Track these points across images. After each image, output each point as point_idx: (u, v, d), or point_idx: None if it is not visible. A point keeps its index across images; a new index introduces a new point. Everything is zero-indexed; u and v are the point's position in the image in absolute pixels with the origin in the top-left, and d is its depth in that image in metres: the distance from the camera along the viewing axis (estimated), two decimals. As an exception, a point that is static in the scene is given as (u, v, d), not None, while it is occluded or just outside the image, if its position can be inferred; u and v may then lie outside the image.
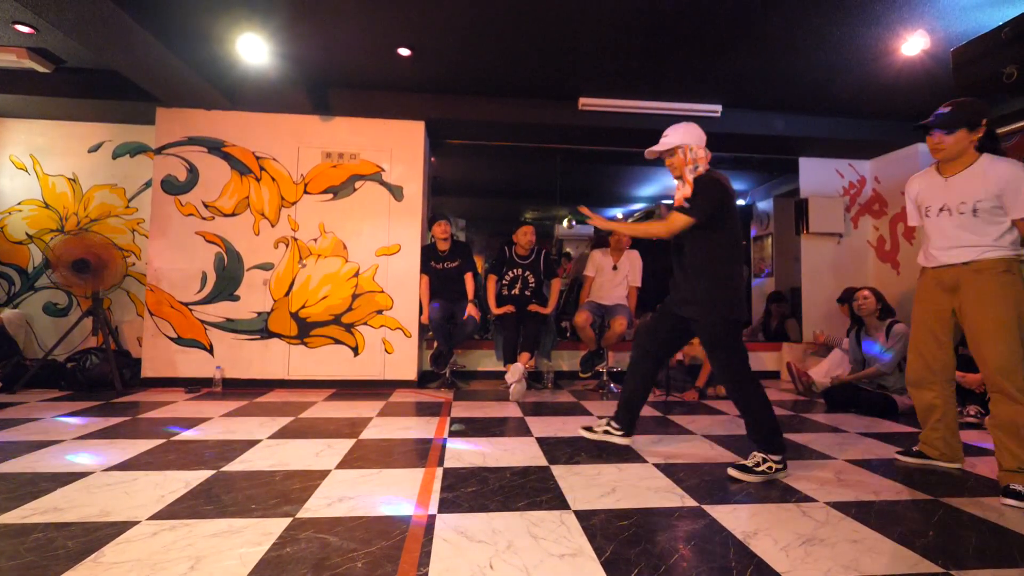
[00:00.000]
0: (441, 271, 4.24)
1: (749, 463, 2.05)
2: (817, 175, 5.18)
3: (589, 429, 2.46)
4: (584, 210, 2.38)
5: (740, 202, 7.40)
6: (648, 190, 7.54)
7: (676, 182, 2.21)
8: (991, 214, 1.93)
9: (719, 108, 4.35)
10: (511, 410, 3.34)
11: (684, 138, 2.16)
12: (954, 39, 3.20)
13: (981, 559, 1.41)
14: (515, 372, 3.69)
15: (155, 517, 1.61)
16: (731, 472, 2.04)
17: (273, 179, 4.24)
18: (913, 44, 3.29)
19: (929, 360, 2.16)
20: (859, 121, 4.62)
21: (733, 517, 1.67)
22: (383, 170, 4.33)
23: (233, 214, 4.19)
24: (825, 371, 3.93)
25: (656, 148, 2.20)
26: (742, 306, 2.11)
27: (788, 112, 4.54)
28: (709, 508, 1.74)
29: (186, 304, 4.12)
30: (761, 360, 5.01)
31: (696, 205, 2.08)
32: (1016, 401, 1.87)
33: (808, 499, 1.84)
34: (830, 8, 2.97)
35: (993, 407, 1.94)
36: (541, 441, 2.57)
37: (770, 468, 2.02)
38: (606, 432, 2.40)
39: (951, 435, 2.19)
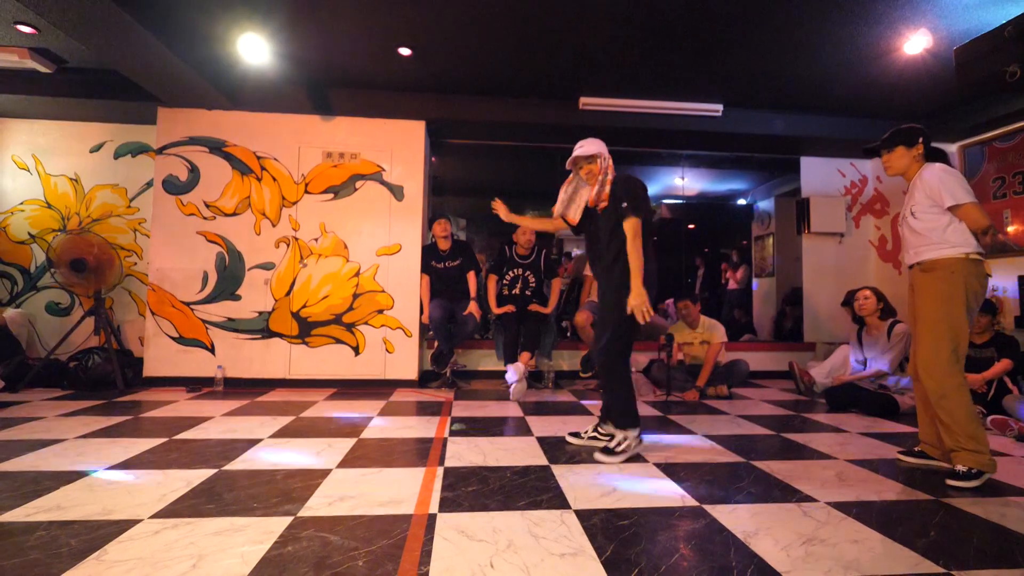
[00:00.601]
0: (442, 270, 4.25)
1: (612, 445, 2.26)
2: (819, 174, 5.18)
3: (576, 435, 2.55)
4: (498, 207, 2.59)
5: (741, 201, 7.41)
6: (649, 189, 7.53)
7: (581, 187, 2.50)
8: (928, 213, 2.13)
9: (720, 107, 4.35)
10: (512, 410, 3.35)
11: (600, 148, 2.40)
12: (956, 38, 3.20)
13: (982, 559, 1.41)
14: (516, 371, 3.69)
15: (157, 515, 1.62)
16: (597, 457, 2.25)
17: (274, 179, 4.25)
18: (915, 43, 3.29)
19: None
20: (861, 120, 4.61)
21: (733, 517, 1.67)
22: (384, 170, 4.34)
23: (234, 214, 4.20)
24: (827, 371, 3.93)
25: (580, 153, 2.38)
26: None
27: (789, 111, 4.54)
28: (709, 508, 1.74)
29: (188, 304, 4.13)
30: (762, 360, 5.01)
31: (635, 205, 2.29)
32: (932, 392, 2.08)
33: (809, 499, 1.84)
34: (831, 7, 2.97)
35: (915, 390, 2.24)
36: (541, 440, 2.58)
37: (630, 445, 2.25)
38: (593, 438, 2.49)
39: None
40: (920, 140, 2.21)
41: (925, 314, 2.12)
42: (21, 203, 4.42)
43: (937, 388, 2.06)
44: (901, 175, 2.29)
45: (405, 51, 3.57)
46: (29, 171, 4.44)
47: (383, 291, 4.28)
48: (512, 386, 3.69)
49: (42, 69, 3.68)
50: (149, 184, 4.46)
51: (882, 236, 5.12)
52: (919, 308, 2.16)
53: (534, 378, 4.28)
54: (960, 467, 1.99)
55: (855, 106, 4.40)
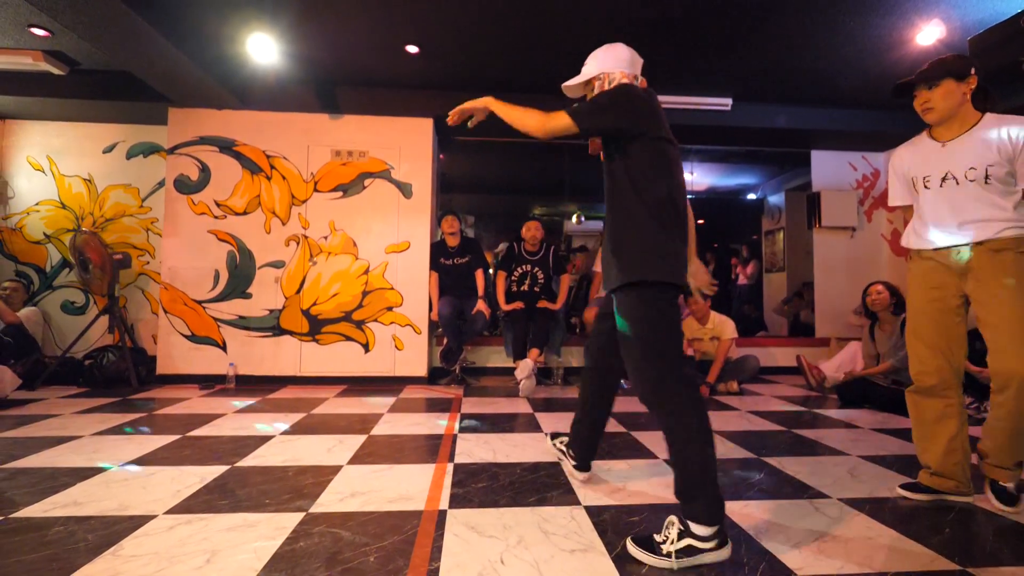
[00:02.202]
0: (451, 267, 4.25)
1: (659, 537, 1.35)
2: (830, 168, 5.11)
3: (556, 436, 2.15)
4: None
5: (751, 196, 7.32)
6: (658, 185, 7.48)
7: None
8: (1004, 182, 1.65)
9: (729, 101, 4.30)
10: (521, 406, 3.35)
11: (603, 65, 1.68)
12: (970, 28, 3.14)
13: (998, 557, 1.39)
14: (524, 368, 3.69)
15: (172, 511, 1.64)
16: (630, 548, 1.37)
17: (283, 177, 4.28)
18: (928, 34, 3.24)
19: (951, 359, 1.77)
20: (873, 113, 4.55)
21: (745, 513, 1.66)
22: (392, 167, 4.35)
23: (244, 212, 4.23)
24: (837, 366, 3.89)
25: (572, 82, 1.75)
26: (671, 269, 1.47)
27: (799, 104, 4.49)
28: (720, 504, 1.74)
29: (199, 302, 4.17)
30: (773, 356, 4.97)
31: (585, 108, 1.55)
32: None
33: (821, 495, 1.82)
34: (843, -2, 2.93)
35: (1001, 409, 1.65)
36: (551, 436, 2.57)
37: (689, 549, 1.31)
38: (560, 452, 2.09)
39: (967, 457, 1.77)
40: (973, 72, 1.70)
41: (1018, 308, 1.60)
42: (36, 203, 4.49)
43: None
44: (945, 120, 1.75)
45: (412, 49, 3.58)
46: (44, 172, 4.51)
47: (392, 288, 4.29)
48: (521, 382, 3.69)
49: (56, 71, 3.73)
50: (161, 184, 4.51)
51: (895, 230, 5.05)
52: (1000, 301, 1.63)
53: (543, 374, 4.28)
54: (1010, 485, 1.69)
55: (867, 98, 4.33)
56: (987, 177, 1.66)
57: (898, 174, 1.91)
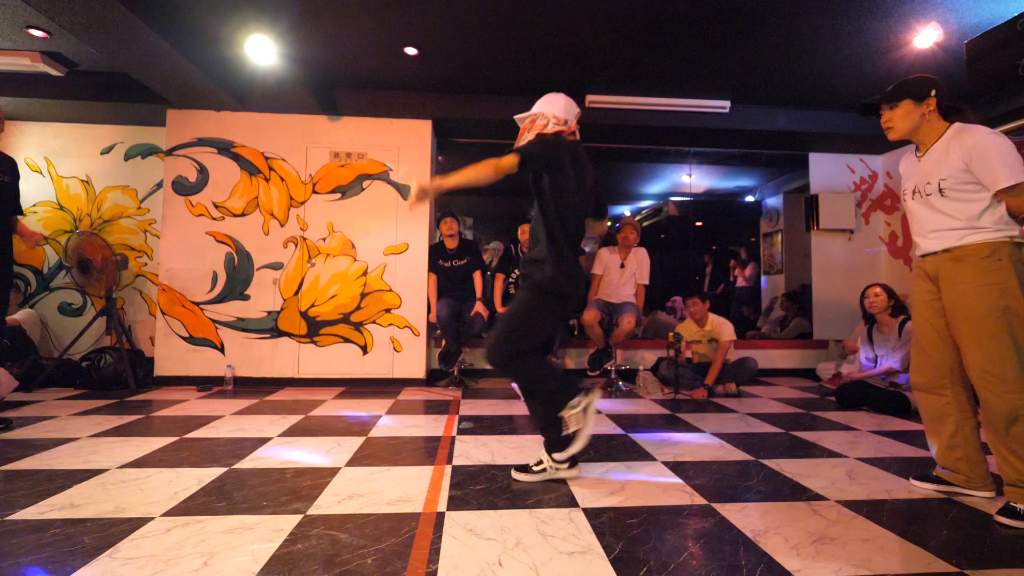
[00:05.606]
0: (449, 269, 4.25)
1: (531, 463, 1.98)
2: (827, 170, 5.13)
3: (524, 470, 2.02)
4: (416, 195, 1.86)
5: (750, 198, 7.35)
6: (656, 187, 7.52)
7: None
8: (961, 192, 1.71)
9: (727, 104, 4.32)
10: (519, 408, 3.35)
11: (542, 107, 2.00)
12: (968, 31, 3.16)
13: (996, 558, 1.39)
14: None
15: (169, 514, 1.64)
16: (513, 474, 1.98)
17: (282, 179, 4.27)
18: (925, 37, 3.25)
19: (935, 358, 1.86)
20: (870, 115, 4.56)
21: (743, 515, 1.66)
22: (390, 169, 4.35)
23: (243, 214, 4.23)
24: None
25: (520, 115, 2.04)
26: (563, 283, 1.88)
27: (798, 107, 4.50)
28: (718, 506, 1.74)
29: (197, 304, 4.16)
30: (771, 358, 4.98)
31: (523, 147, 1.87)
32: (1000, 414, 1.65)
33: (819, 497, 1.82)
34: (840, 1, 2.94)
35: (981, 412, 1.73)
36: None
37: (550, 467, 1.94)
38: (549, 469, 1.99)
39: (974, 453, 1.81)
40: (932, 93, 1.78)
41: (971, 312, 1.68)
42: (34, 205, 4.48)
43: (1007, 409, 1.62)
44: (907, 138, 1.86)
45: (411, 51, 3.58)
46: (41, 173, 4.50)
47: (390, 290, 4.29)
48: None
49: (54, 72, 3.73)
50: (159, 185, 4.50)
51: (892, 232, 5.07)
52: (958, 305, 1.72)
53: (541, 377, 4.27)
54: (1021, 505, 1.62)
55: (865, 101, 4.35)
56: (941, 190, 1.75)
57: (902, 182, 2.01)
